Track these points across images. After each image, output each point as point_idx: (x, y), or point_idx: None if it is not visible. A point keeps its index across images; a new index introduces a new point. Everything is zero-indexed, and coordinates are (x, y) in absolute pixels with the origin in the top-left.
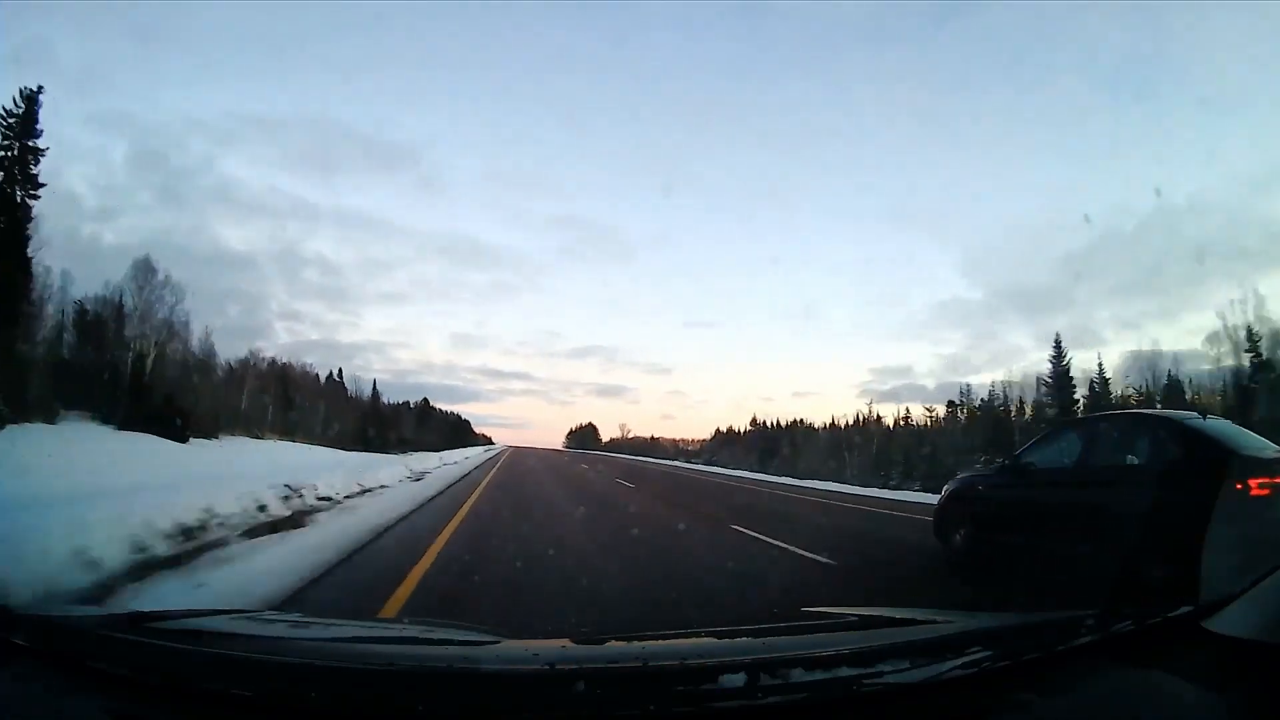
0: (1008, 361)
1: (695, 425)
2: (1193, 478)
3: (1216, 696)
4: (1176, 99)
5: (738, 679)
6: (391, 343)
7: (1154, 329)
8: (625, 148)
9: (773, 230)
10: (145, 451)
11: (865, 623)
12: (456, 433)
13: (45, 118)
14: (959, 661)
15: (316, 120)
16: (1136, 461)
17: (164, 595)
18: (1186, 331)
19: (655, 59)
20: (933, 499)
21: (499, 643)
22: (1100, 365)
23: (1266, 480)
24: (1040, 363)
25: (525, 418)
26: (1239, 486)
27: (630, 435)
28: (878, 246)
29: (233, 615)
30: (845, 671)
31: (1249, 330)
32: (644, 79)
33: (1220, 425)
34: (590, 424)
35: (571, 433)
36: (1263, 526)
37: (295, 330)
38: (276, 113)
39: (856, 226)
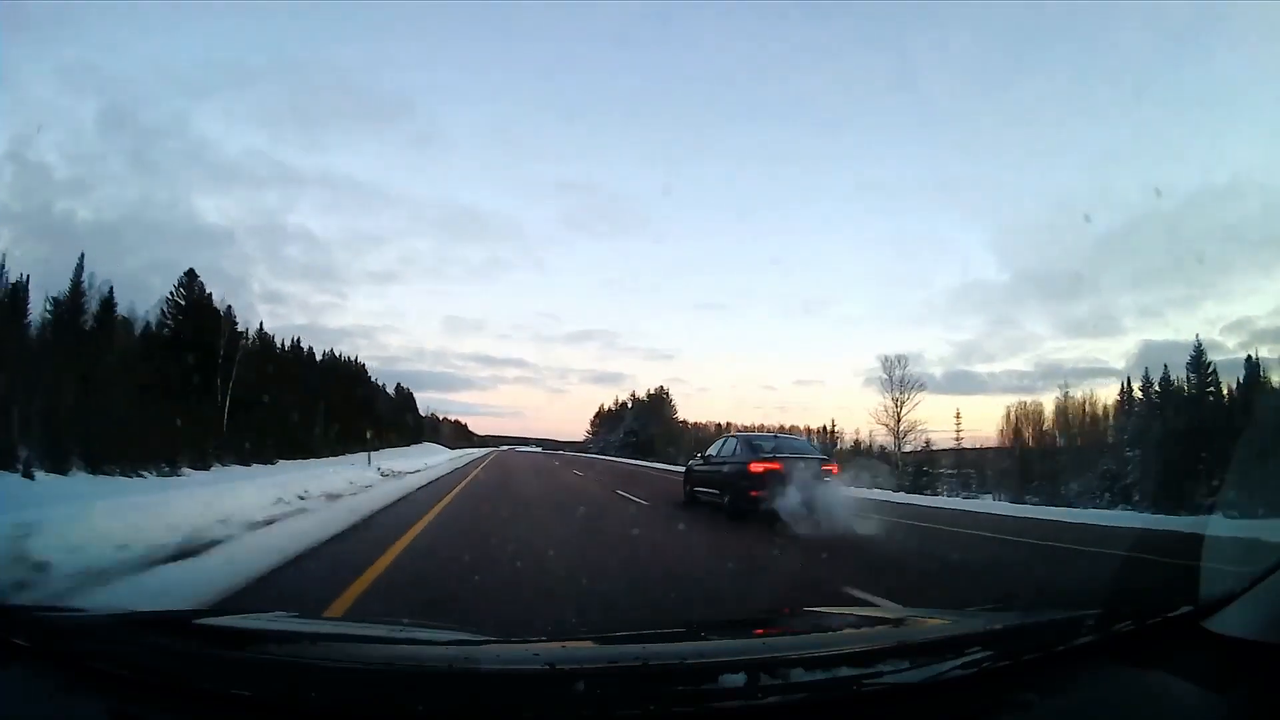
0: (1022, 349)
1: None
2: (737, 463)
3: (1217, 696)
4: (1219, 81)
5: (738, 679)
6: (381, 327)
7: (1175, 317)
8: (635, 111)
9: (786, 210)
10: None
11: (865, 622)
12: (359, 423)
13: (15, 77)
14: (959, 661)
15: (298, 67)
16: (732, 454)
17: None
18: (1205, 321)
19: (671, 16)
20: None
21: (499, 643)
22: None
23: (761, 467)
24: (1055, 351)
25: (519, 406)
26: (751, 466)
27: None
28: (896, 229)
29: (232, 615)
30: (845, 671)
31: None
32: (658, 36)
33: (767, 437)
34: (658, 392)
35: (605, 417)
36: (756, 482)
37: (279, 314)
38: (252, 59)
39: (874, 209)
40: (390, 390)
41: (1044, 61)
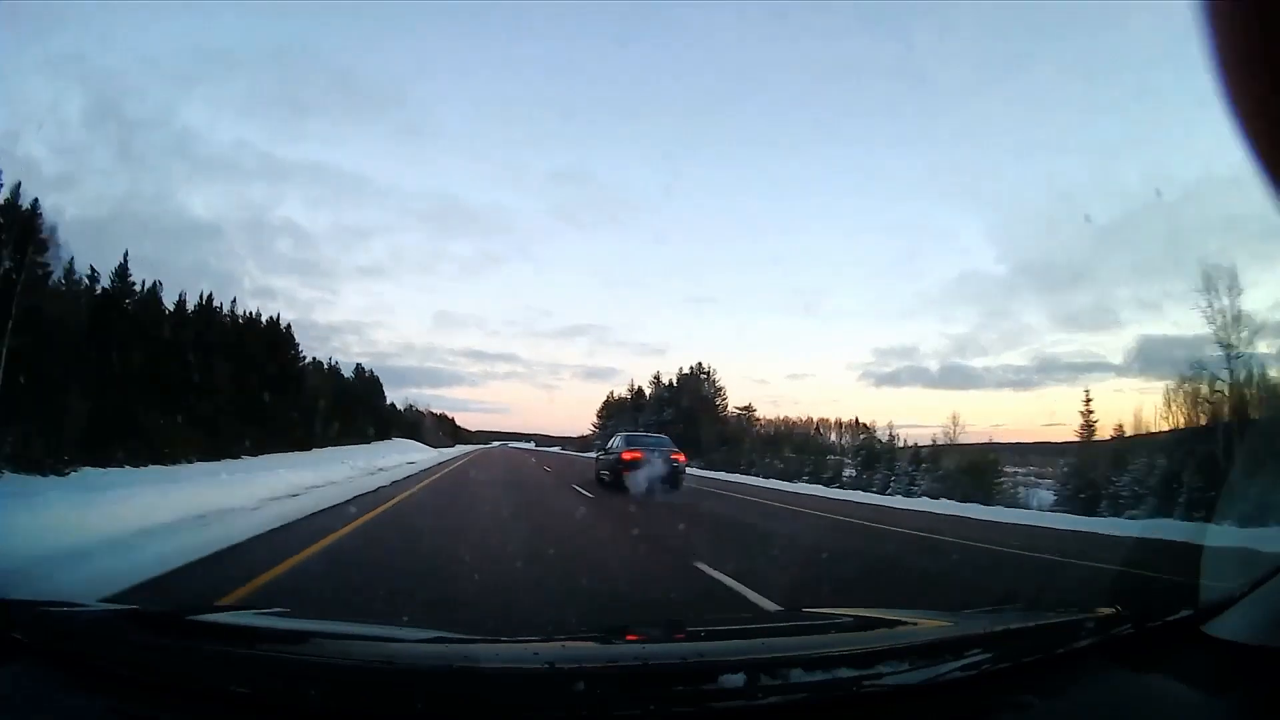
0: (1018, 343)
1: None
2: (616, 452)
3: (1216, 700)
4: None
5: (738, 679)
6: (370, 323)
7: (1173, 311)
8: (630, 102)
9: (781, 204)
10: None
11: (864, 624)
12: (286, 413)
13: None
14: (959, 663)
15: (287, 57)
16: (616, 446)
17: None
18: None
19: (665, 6)
20: None
21: (499, 642)
22: None
23: (629, 456)
24: (1052, 345)
25: (511, 402)
26: (624, 455)
27: None
28: (893, 223)
29: (232, 613)
30: (845, 672)
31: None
32: (653, 25)
33: (641, 435)
34: (694, 371)
35: (614, 408)
36: (626, 466)
37: (268, 310)
38: (239, 48)
39: (870, 202)
40: (349, 374)
41: (1044, 53)
